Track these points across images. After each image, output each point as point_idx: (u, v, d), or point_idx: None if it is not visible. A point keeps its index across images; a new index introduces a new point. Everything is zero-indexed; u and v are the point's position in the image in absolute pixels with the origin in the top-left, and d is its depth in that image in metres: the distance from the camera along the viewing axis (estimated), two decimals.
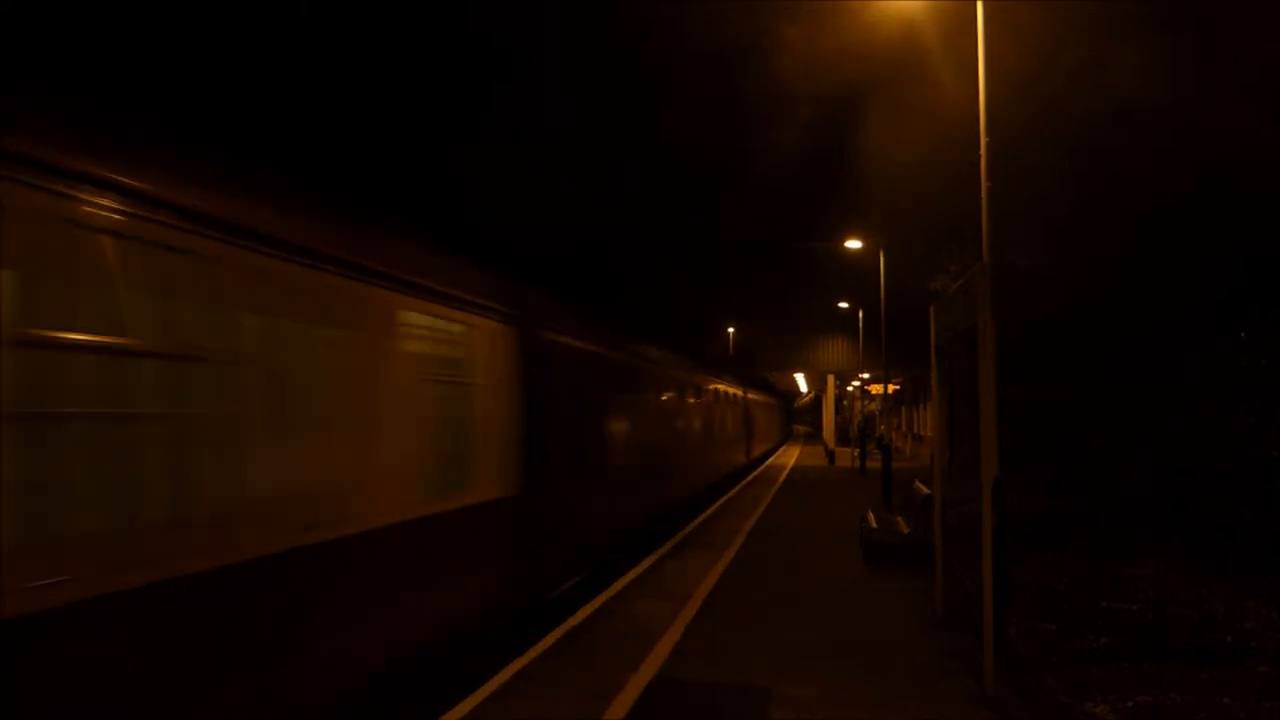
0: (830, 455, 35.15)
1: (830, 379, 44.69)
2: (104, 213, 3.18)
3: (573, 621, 7.32)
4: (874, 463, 23.54)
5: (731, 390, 22.83)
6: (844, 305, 33.07)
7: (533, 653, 6.36)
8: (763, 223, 30.80)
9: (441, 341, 5.81)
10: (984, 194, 8.04)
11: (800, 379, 59.75)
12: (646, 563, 10.26)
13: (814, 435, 66.71)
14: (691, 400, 16.21)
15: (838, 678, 5.78)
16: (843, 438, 43.63)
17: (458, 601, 5.86)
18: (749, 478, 25.33)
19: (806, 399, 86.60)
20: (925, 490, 9.58)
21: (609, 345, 10.17)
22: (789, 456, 38.22)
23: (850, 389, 48.96)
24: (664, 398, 13.54)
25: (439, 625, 5.58)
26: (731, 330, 41.30)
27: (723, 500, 18.21)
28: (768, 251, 31.30)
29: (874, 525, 10.59)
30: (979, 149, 8.08)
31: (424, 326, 5.50)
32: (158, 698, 3.35)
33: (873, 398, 40.43)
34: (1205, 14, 10.00)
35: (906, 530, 10.16)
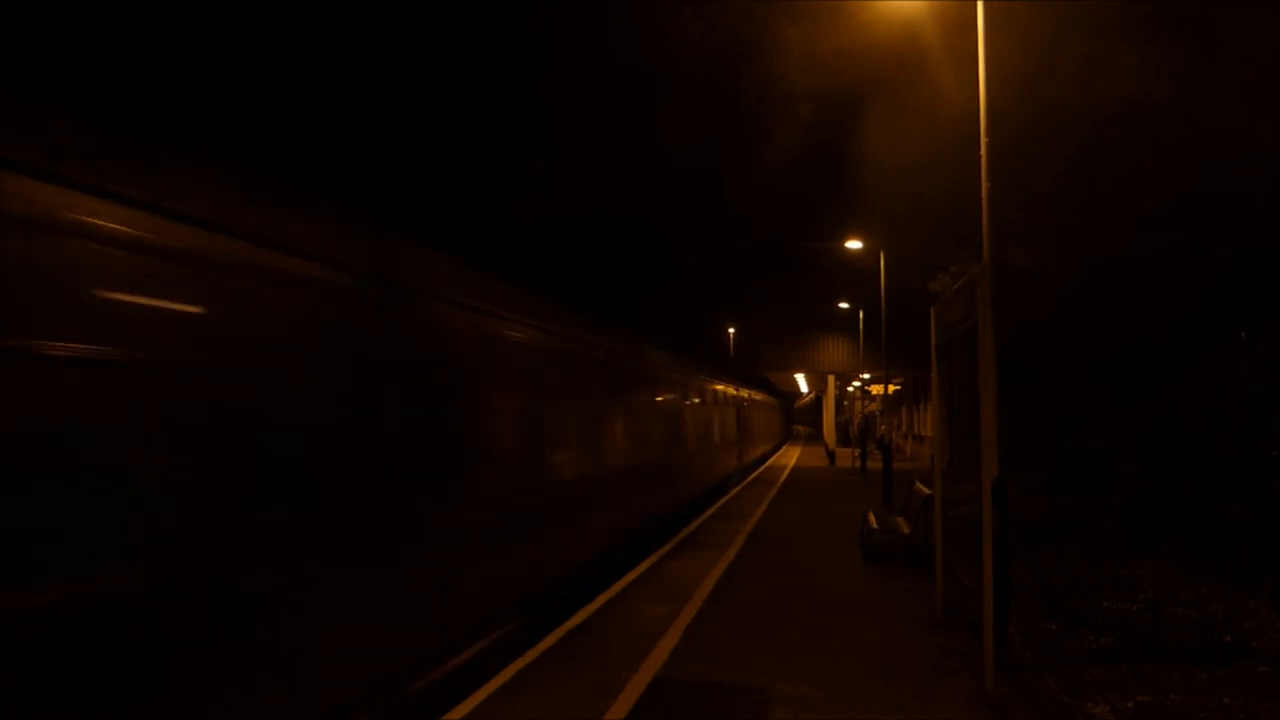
0: (831, 456, 35.13)
1: (831, 379, 44.60)
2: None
3: (573, 621, 7.33)
4: (875, 463, 23.54)
5: (761, 398, 36.49)
6: (844, 306, 33.06)
7: (533, 653, 6.37)
8: (763, 223, 30.83)
9: (726, 399, 22.39)
10: (984, 194, 8.03)
11: (801, 379, 59.66)
12: (646, 563, 10.27)
13: (814, 436, 66.67)
14: (752, 409, 29.76)
15: (838, 678, 5.79)
16: (843, 438, 43.58)
17: (729, 464, 22.48)
18: (750, 477, 25.37)
19: (807, 399, 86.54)
20: (925, 491, 9.58)
21: (750, 389, 29.00)
22: (789, 457, 38.20)
23: (851, 389, 48.90)
24: (745, 408, 26.77)
25: (729, 471, 22.60)
26: (732, 331, 41.27)
27: (723, 501, 18.22)
28: (768, 252, 31.33)
29: (874, 526, 10.57)
30: (979, 149, 8.08)
31: (724, 392, 22.22)
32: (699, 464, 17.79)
33: (873, 398, 40.37)
34: (1205, 13, 10.00)
35: (907, 531, 10.15)
